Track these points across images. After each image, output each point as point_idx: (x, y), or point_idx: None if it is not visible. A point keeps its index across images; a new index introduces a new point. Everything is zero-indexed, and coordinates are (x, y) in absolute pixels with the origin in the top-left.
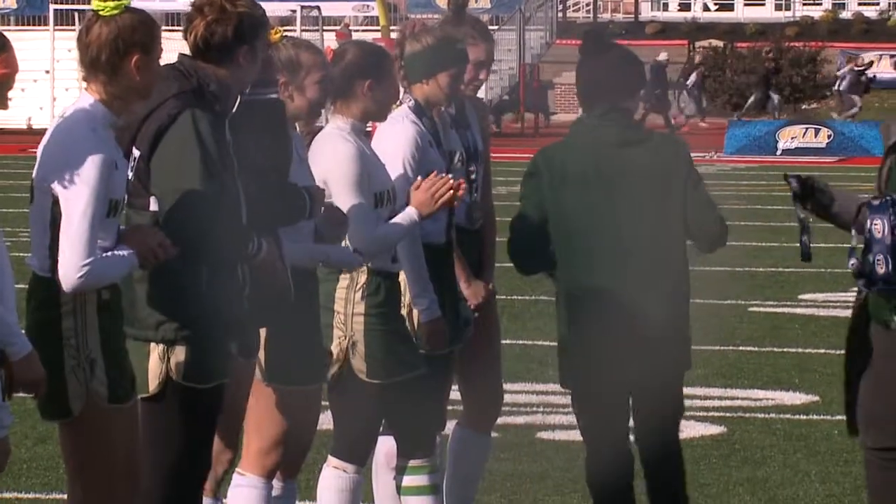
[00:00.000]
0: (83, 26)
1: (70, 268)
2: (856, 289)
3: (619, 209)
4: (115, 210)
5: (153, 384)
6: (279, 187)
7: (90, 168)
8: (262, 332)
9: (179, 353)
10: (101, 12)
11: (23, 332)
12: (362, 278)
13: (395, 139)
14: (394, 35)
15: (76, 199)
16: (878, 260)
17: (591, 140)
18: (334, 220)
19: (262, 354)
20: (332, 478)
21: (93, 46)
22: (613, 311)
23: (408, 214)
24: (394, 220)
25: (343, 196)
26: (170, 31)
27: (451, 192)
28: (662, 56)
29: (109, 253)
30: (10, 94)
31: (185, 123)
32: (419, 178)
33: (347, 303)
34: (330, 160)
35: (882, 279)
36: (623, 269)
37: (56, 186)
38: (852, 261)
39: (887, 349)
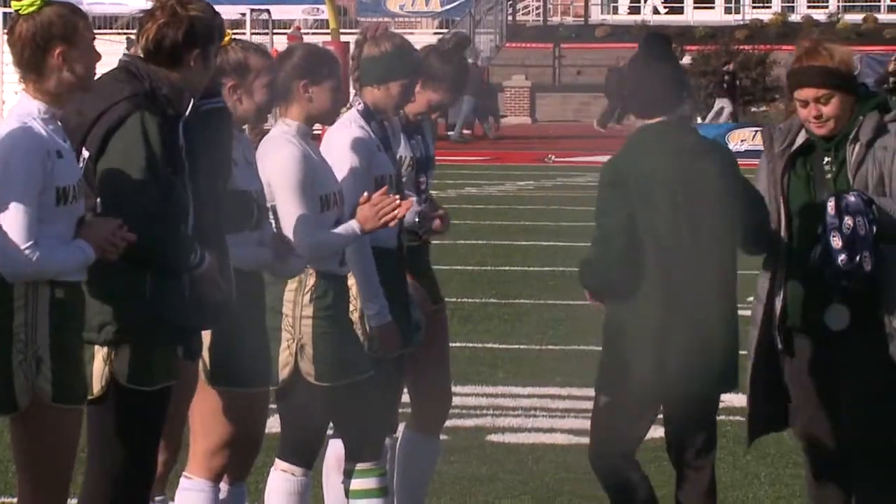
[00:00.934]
0: (9, 27)
1: (10, 255)
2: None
3: (698, 218)
4: (66, 198)
5: (97, 386)
6: (225, 194)
7: (18, 157)
8: (207, 334)
9: (123, 356)
10: (20, 11)
11: None
12: (310, 281)
13: (343, 143)
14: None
15: (7, 188)
16: (864, 256)
17: (675, 148)
18: (280, 250)
19: (207, 357)
20: (280, 481)
21: (17, 45)
22: (691, 321)
23: (350, 227)
24: (336, 230)
25: (285, 199)
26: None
27: (396, 212)
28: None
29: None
30: None
31: (134, 126)
32: (366, 193)
33: (295, 305)
34: (273, 163)
35: (867, 276)
36: (699, 280)
37: None
38: (842, 257)
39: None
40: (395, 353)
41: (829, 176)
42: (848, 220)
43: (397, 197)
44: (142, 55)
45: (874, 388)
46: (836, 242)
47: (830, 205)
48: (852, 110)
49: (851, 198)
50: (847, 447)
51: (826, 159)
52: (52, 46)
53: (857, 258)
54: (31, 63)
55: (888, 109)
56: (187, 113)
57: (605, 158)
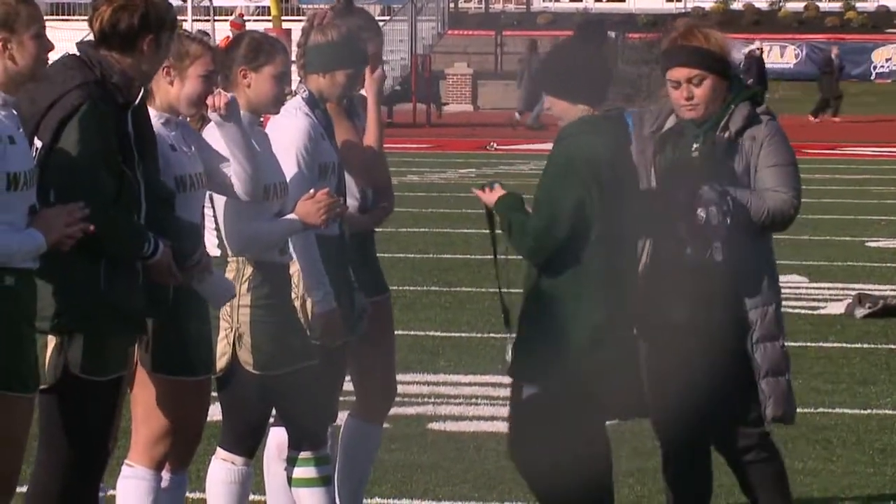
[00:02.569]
0: None
1: None
2: None
3: (631, 209)
4: (16, 184)
5: (50, 376)
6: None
7: None
8: (149, 322)
9: (76, 346)
10: None
11: None
12: (248, 270)
13: (289, 131)
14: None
15: None
16: (716, 247)
17: (622, 140)
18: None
19: (150, 344)
20: (221, 470)
21: None
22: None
23: (291, 221)
24: (275, 223)
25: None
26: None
27: (337, 212)
28: (755, 45)
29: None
30: None
31: (86, 115)
32: (312, 189)
33: None
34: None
35: (715, 264)
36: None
37: None
38: (689, 249)
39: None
40: (339, 341)
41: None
42: (700, 212)
43: (341, 198)
44: (93, 39)
45: (727, 378)
46: (685, 233)
47: (685, 196)
48: (724, 98)
49: (705, 188)
50: (704, 437)
51: (694, 145)
52: None
53: (708, 250)
54: None
55: (760, 102)
56: (137, 101)
57: (546, 146)
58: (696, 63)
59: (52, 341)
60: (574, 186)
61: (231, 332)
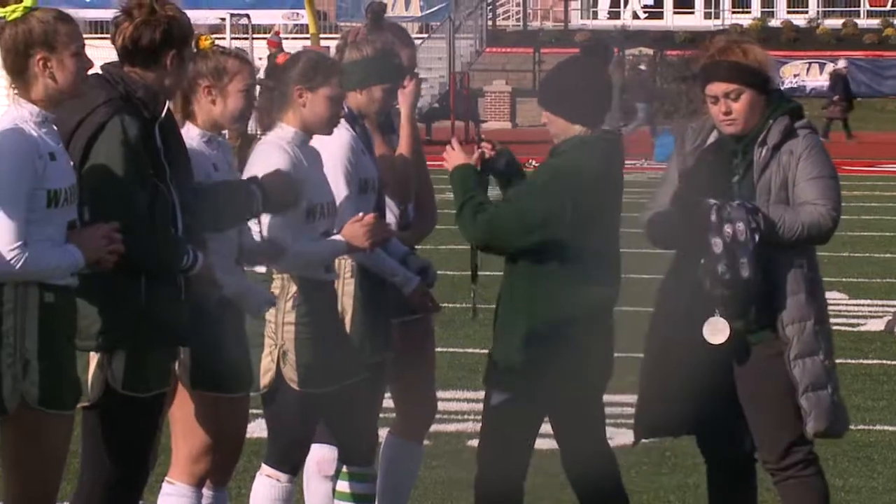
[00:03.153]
0: None
1: None
2: None
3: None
4: (57, 201)
5: (92, 393)
6: (215, 187)
7: (8, 158)
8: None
9: (118, 363)
10: (5, 17)
11: None
12: (293, 287)
13: (332, 146)
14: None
15: None
16: (742, 263)
17: (614, 156)
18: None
19: (189, 361)
20: (265, 486)
21: (2, 52)
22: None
23: (336, 243)
24: (322, 242)
25: None
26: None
27: (383, 236)
28: (841, 64)
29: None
30: None
31: (114, 131)
32: (361, 213)
33: (278, 311)
34: (260, 169)
35: (745, 281)
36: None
37: None
38: (720, 266)
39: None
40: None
41: (735, 178)
42: (727, 228)
43: (390, 224)
44: (117, 56)
45: (770, 394)
46: (716, 250)
47: (713, 213)
48: (764, 112)
49: (734, 205)
50: (748, 453)
51: (734, 160)
52: (32, 53)
53: (735, 266)
54: (15, 70)
55: (801, 116)
56: (163, 115)
57: None
58: (733, 78)
59: (93, 358)
60: (549, 202)
61: (276, 349)
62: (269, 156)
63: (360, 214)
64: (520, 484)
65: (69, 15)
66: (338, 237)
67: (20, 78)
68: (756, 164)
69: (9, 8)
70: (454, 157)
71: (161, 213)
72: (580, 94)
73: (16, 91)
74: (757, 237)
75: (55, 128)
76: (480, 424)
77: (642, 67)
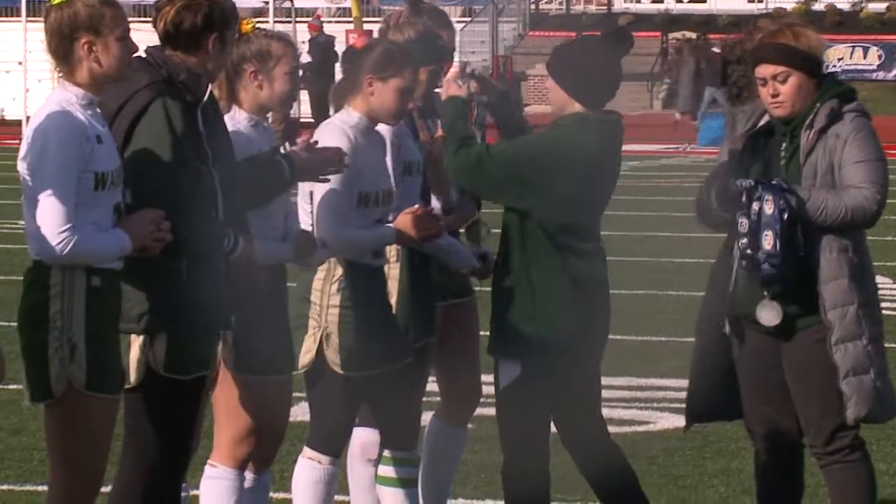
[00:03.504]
0: (44, 16)
1: (47, 238)
2: None
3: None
4: (104, 183)
5: (134, 376)
6: (251, 163)
7: (56, 140)
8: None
9: (160, 345)
10: (51, 1)
11: None
12: (339, 271)
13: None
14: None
15: (44, 171)
16: (765, 236)
17: (613, 138)
18: (304, 248)
19: (231, 344)
20: (307, 469)
21: (47, 36)
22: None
23: (385, 232)
24: (371, 230)
25: (321, 188)
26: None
27: (434, 231)
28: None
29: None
30: None
31: (157, 113)
32: (417, 205)
33: (323, 294)
34: None
35: (767, 255)
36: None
37: (27, 165)
38: (742, 241)
39: (756, 348)
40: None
41: (782, 161)
42: (755, 206)
43: (442, 225)
44: (159, 40)
45: (815, 378)
46: (742, 229)
47: (744, 193)
48: (813, 96)
49: (766, 183)
50: (795, 437)
51: (783, 144)
52: (77, 37)
53: (758, 243)
54: (60, 53)
55: (851, 100)
56: (205, 99)
57: (629, 147)
58: (780, 60)
59: (135, 341)
60: (537, 169)
61: (319, 331)
62: (329, 137)
63: (416, 207)
64: (545, 467)
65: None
66: (389, 226)
67: (65, 62)
68: (802, 147)
69: None
70: (450, 87)
71: (202, 197)
72: (588, 76)
73: (61, 74)
74: (785, 216)
75: (99, 110)
76: (495, 405)
77: (716, 50)
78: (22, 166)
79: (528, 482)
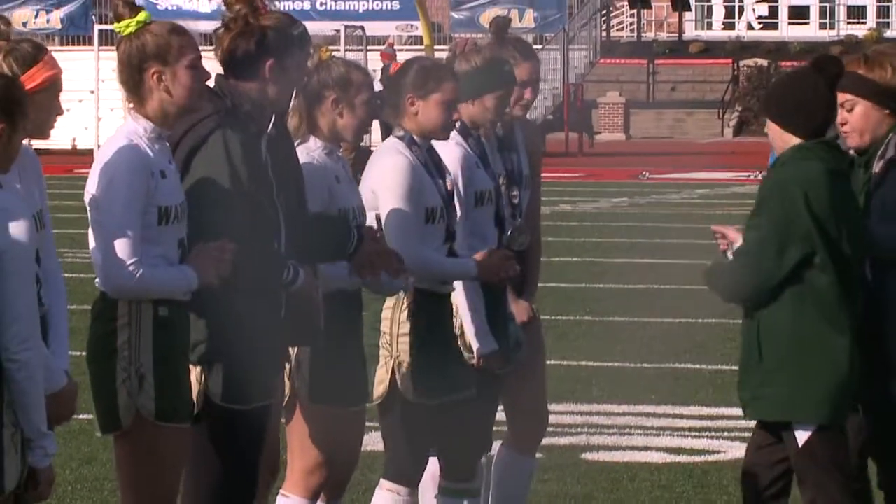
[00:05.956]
0: (116, 47)
1: (114, 271)
2: None
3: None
4: (167, 218)
5: (194, 406)
6: (323, 220)
7: (122, 175)
8: (305, 352)
9: (217, 375)
10: (121, 32)
11: (63, 370)
12: (408, 299)
13: (443, 160)
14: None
15: (111, 205)
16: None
17: (844, 161)
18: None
19: (306, 374)
20: (386, 500)
21: (118, 66)
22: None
23: (466, 267)
24: (453, 261)
25: (390, 208)
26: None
27: (511, 274)
28: None
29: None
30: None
31: (216, 145)
32: (493, 247)
33: (393, 323)
34: (380, 172)
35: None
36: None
37: (93, 198)
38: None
39: None
40: (498, 371)
41: (861, 194)
42: None
43: (518, 269)
44: (221, 68)
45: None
46: None
47: None
48: (886, 126)
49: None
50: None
51: (861, 175)
52: (146, 67)
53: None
54: (130, 85)
55: None
56: (269, 128)
57: (700, 175)
58: (846, 88)
59: (193, 371)
60: (786, 215)
61: (391, 360)
62: (385, 159)
63: (498, 250)
64: None
65: (184, 27)
66: (471, 259)
67: (136, 93)
68: (873, 178)
69: (123, 23)
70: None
71: (262, 229)
72: (804, 107)
73: (132, 106)
74: None
75: (167, 144)
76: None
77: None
78: (88, 199)
79: None
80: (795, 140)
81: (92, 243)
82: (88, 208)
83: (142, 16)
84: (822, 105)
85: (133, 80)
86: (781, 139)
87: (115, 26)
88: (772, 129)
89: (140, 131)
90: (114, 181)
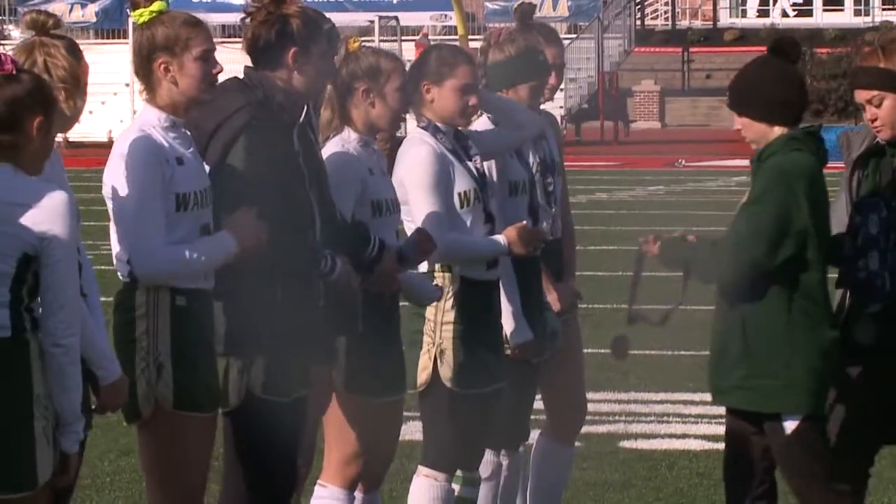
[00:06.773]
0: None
1: (138, 255)
2: None
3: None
4: (186, 205)
5: (233, 398)
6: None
7: (135, 164)
8: (342, 342)
9: (257, 368)
10: (137, 21)
11: (113, 355)
12: (454, 286)
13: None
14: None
15: (125, 192)
16: (871, 256)
17: (823, 153)
18: (422, 248)
19: (343, 365)
20: (424, 487)
21: (132, 56)
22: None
23: (496, 242)
24: (481, 239)
25: (418, 197)
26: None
27: (539, 244)
28: None
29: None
30: (90, 107)
31: (250, 136)
32: (525, 221)
33: (437, 310)
34: (407, 162)
35: (874, 275)
36: None
37: (110, 189)
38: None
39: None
40: (534, 360)
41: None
42: (858, 219)
43: (545, 231)
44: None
45: None
46: (849, 251)
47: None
48: None
49: (872, 198)
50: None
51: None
52: (155, 58)
53: (866, 259)
54: (142, 74)
55: None
56: (302, 119)
57: (736, 162)
58: (871, 84)
59: (233, 364)
60: (784, 204)
61: (434, 348)
62: (412, 149)
63: (525, 222)
64: None
65: (198, 19)
66: (499, 237)
67: (147, 83)
68: None
69: (138, 12)
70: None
71: (298, 219)
72: (775, 94)
73: (145, 96)
74: (890, 234)
75: (186, 132)
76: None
77: None
78: (105, 190)
79: None
80: (778, 130)
81: (114, 235)
82: (107, 200)
83: (156, 5)
84: (800, 91)
85: (144, 69)
86: (761, 131)
87: (132, 15)
88: (749, 124)
89: (154, 121)
90: (126, 172)
